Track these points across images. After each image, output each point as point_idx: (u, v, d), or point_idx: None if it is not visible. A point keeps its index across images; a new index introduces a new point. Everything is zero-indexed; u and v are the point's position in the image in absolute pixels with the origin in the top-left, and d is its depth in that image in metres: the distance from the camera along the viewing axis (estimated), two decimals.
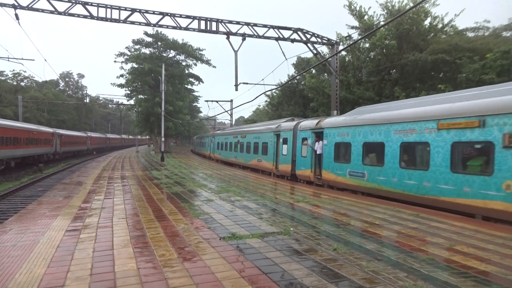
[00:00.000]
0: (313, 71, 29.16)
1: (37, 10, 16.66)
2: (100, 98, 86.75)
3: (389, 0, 23.35)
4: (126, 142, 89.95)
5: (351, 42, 23.53)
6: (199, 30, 18.76)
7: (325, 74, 28.59)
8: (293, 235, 6.30)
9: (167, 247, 5.56)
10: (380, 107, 12.74)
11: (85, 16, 17.29)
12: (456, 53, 19.80)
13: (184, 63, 45.69)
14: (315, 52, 20.76)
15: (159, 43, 42.77)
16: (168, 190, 12.31)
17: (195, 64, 45.27)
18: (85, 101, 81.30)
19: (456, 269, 4.63)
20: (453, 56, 19.77)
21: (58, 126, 53.95)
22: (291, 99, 34.83)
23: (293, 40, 19.95)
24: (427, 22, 22.80)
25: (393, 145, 10.70)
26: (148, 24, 18.33)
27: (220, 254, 5.19)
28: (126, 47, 42.70)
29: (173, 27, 18.62)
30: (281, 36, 19.75)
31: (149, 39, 41.89)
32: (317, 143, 14.77)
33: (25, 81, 65.36)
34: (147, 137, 62.27)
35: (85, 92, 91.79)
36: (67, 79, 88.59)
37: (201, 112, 79.58)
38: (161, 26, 18.76)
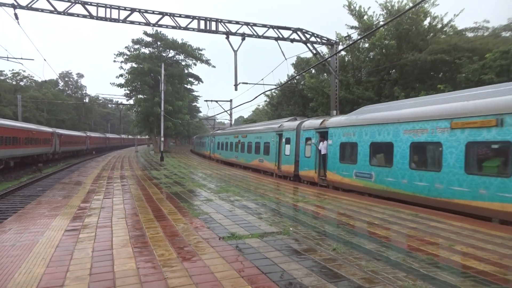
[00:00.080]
0: (313, 71, 29.17)
1: (36, 9, 16.63)
2: (100, 98, 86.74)
3: (389, 0, 23.38)
4: (125, 142, 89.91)
5: (351, 42, 23.54)
6: (199, 30, 18.75)
7: (325, 74, 28.60)
8: (292, 235, 6.30)
9: (167, 246, 5.56)
10: (387, 106, 12.38)
11: (84, 16, 17.27)
12: (455, 53, 19.81)
13: (183, 63, 45.73)
14: (314, 52, 20.77)
15: (159, 43, 42.76)
16: (168, 190, 12.31)
17: (195, 64, 45.33)
18: (84, 101, 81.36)
19: (455, 269, 4.64)
20: (453, 56, 19.78)
21: (58, 125, 53.89)
22: (291, 99, 34.84)
23: (292, 40, 19.95)
24: (426, 22, 22.82)
25: (402, 145, 10.33)
26: (147, 23, 18.31)
27: (219, 254, 5.19)
28: (126, 47, 42.73)
29: (173, 27, 18.61)
30: (280, 36, 19.74)
31: (149, 39, 41.88)
32: (321, 143, 14.46)
33: (24, 80, 65.31)
34: (147, 137, 62.24)
35: (85, 92, 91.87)
36: (66, 79, 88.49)
37: (200, 112, 79.67)
38: (160, 25, 18.73)
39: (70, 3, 16.88)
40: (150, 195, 11.11)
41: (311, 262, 4.85)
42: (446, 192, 8.85)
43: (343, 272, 4.47)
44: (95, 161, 32.64)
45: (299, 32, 19.96)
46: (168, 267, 4.63)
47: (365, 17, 24.29)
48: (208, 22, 18.87)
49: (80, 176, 17.78)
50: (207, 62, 44.19)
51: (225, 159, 29.63)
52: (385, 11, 23.76)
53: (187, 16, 18.70)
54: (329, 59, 20.55)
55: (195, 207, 9.06)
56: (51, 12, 16.77)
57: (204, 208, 8.83)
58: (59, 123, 61.01)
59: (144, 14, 18.16)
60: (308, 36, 20.17)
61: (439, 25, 22.96)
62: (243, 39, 19.08)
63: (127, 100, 47.01)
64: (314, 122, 15.51)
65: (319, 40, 20.53)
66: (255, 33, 19.36)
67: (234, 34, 19.07)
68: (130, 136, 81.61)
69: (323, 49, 25.85)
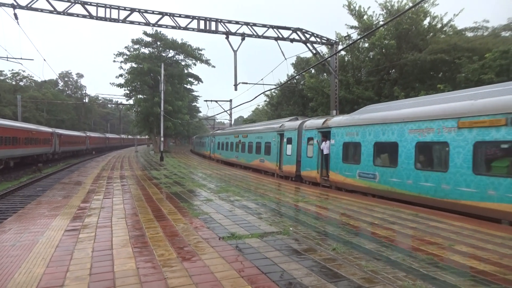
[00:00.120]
0: (313, 71, 29.18)
1: (36, 9, 16.63)
2: (99, 98, 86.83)
3: (389, 0, 23.40)
4: (125, 142, 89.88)
5: (351, 42, 23.56)
6: (199, 30, 18.75)
7: (325, 74, 28.61)
8: (292, 235, 6.30)
9: (166, 246, 5.56)
10: (391, 106, 12.20)
11: (84, 16, 17.27)
12: (455, 53, 19.81)
13: (183, 63, 45.74)
14: (314, 52, 20.77)
15: (158, 43, 42.76)
16: (168, 190, 12.31)
17: (194, 64, 45.36)
18: (84, 101, 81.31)
19: (455, 269, 4.64)
20: (452, 56, 19.78)
21: (57, 126, 53.89)
22: (291, 99, 34.86)
23: (292, 40, 19.95)
24: (426, 22, 22.83)
25: (407, 145, 10.14)
26: (147, 23, 18.31)
27: (219, 254, 5.19)
28: (125, 47, 42.73)
29: (173, 27, 18.62)
30: (280, 36, 19.75)
31: (148, 39, 41.88)
32: (324, 143, 14.30)
33: (24, 80, 65.28)
34: (146, 137, 62.25)
35: (84, 92, 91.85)
36: (66, 79, 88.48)
37: (200, 112, 79.69)
38: (160, 26, 18.73)
39: (69, 3, 16.88)
40: (150, 195, 11.11)
41: (311, 262, 4.85)
42: (453, 193, 8.66)
43: (343, 272, 4.47)
44: (95, 161, 32.64)
45: (298, 32, 19.96)
46: (168, 267, 4.63)
47: (365, 17, 24.32)
48: (208, 22, 18.87)
49: (80, 176, 17.78)
50: (206, 62, 44.22)
51: (226, 159, 29.48)
52: (384, 11, 23.78)
53: (186, 16, 18.70)
54: (329, 59, 20.55)
55: (195, 207, 9.06)
56: (50, 12, 16.77)
57: (204, 208, 8.83)
58: (59, 123, 61.02)
59: (144, 14, 18.16)
60: (308, 36, 20.18)
61: (439, 25, 22.98)
62: (242, 39, 19.08)
63: (127, 100, 47.07)
64: (316, 121, 15.35)
65: (319, 40, 20.53)
66: (255, 33, 19.36)
67: (234, 34, 19.08)
68: (130, 136, 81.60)
69: (323, 49, 25.90)
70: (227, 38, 18.93)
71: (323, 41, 20.69)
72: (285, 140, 17.72)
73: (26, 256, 5.06)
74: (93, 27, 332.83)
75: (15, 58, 30.12)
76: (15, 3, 16.27)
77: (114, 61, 50.28)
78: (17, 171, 27.75)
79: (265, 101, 43.13)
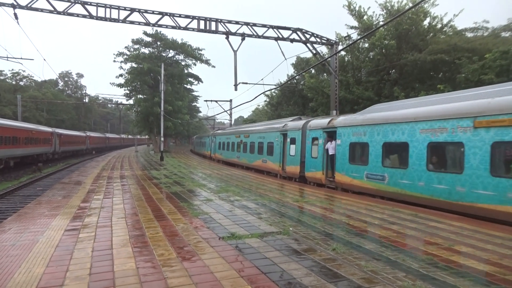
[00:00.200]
0: (313, 71, 29.20)
1: (36, 9, 16.63)
2: (99, 98, 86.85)
3: (389, 0, 23.42)
4: (125, 141, 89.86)
5: (351, 42, 23.56)
6: (199, 30, 18.76)
7: (325, 74, 28.64)
8: (292, 235, 6.31)
9: (166, 246, 5.56)
10: (400, 104, 11.75)
11: (84, 16, 17.28)
12: (455, 53, 19.83)
13: (183, 63, 45.72)
14: (314, 52, 20.78)
15: (158, 43, 42.76)
16: (167, 189, 12.31)
17: (194, 64, 45.34)
18: (84, 100, 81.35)
19: (454, 269, 4.64)
20: (452, 56, 19.80)
21: (57, 125, 53.91)
22: (291, 99, 34.88)
23: (292, 40, 19.96)
24: (426, 22, 22.86)
25: (419, 146, 9.74)
26: (147, 23, 18.32)
27: (219, 254, 5.19)
28: (126, 47, 42.75)
29: (173, 27, 18.62)
30: (280, 36, 19.75)
31: (148, 39, 41.88)
32: (329, 143, 13.94)
33: (24, 80, 65.35)
34: (146, 136, 62.26)
35: (84, 91, 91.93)
36: (66, 79, 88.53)
37: (200, 112, 79.69)
38: (160, 25, 18.74)
39: (69, 3, 16.88)
40: (150, 195, 11.11)
41: (311, 262, 4.85)
42: (468, 196, 8.24)
43: (343, 272, 4.47)
44: (95, 161, 32.64)
45: (298, 32, 19.97)
46: (168, 267, 4.64)
47: (365, 17, 24.35)
48: (208, 22, 18.88)
49: (80, 176, 17.79)
50: (206, 62, 44.22)
51: (227, 160, 29.19)
52: (384, 11, 23.81)
53: (186, 16, 18.71)
54: (329, 59, 20.56)
55: (195, 207, 9.06)
56: (50, 12, 16.78)
57: (204, 208, 8.84)
58: (59, 123, 61.06)
59: (144, 14, 18.17)
60: (308, 36, 20.19)
61: (439, 25, 23.00)
62: (242, 39, 19.09)
63: (127, 100, 47.08)
64: (321, 121, 14.99)
65: (318, 40, 20.54)
66: (255, 33, 19.37)
67: (234, 34, 19.08)
68: (130, 136, 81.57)
69: (323, 49, 25.91)
70: (227, 38, 18.94)
71: (323, 41, 20.69)
72: (288, 140, 17.38)
73: (26, 256, 5.07)
74: (93, 27, 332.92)
75: (15, 58, 30.23)
76: (15, 3, 16.28)
77: (114, 61, 50.31)
78: (17, 171, 27.76)
79: (265, 101, 43.21)
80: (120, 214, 8.10)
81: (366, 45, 25.13)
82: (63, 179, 17.91)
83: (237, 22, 19.22)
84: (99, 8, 17.37)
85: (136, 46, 42.21)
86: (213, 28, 18.88)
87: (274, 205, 9.45)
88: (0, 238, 6.05)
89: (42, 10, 16.70)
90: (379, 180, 11.14)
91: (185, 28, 18.65)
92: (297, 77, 32.31)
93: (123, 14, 17.77)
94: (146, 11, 18.23)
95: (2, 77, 60.65)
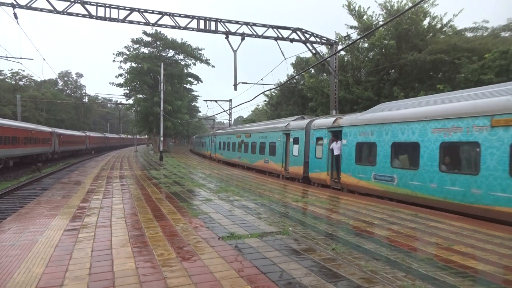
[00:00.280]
0: (312, 71, 29.20)
1: (35, 9, 16.62)
2: (99, 98, 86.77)
3: (388, 0, 23.43)
4: (124, 141, 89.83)
5: (350, 42, 23.56)
6: (198, 30, 18.75)
7: (324, 74, 28.64)
8: (291, 235, 6.30)
9: (166, 246, 5.55)
10: (410, 103, 11.28)
11: (84, 15, 17.26)
12: (454, 53, 19.83)
13: (183, 63, 45.70)
14: (314, 52, 20.78)
15: (158, 43, 42.75)
16: (167, 189, 12.31)
17: (194, 64, 45.33)
18: (83, 100, 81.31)
19: (454, 269, 4.64)
20: (452, 56, 19.80)
21: (57, 125, 53.90)
22: (290, 99, 34.88)
23: (292, 40, 19.95)
24: (426, 22, 22.86)
25: (430, 146, 9.35)
26: (147, 23, 18.31)
27: (218, 254, 5.19)
28: (125, 47, 42.74)
29: (172, 27, 18.61)
30: (280, 36, 19.75)
31: (148, 39, 41.87)
32: (334, 143, 13.58)
33: (23, 80, 65.34)
34: (146, 136, 62.22)
35: (84, 91, 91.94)
36: (65, 79, 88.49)
37: (200, 111, 79.66)
38: (160, 25, 18.72)
39: (69, 3, 16.87)
40: (149, 195, 11.10)
41: (311, 262, 4.85)
42: (485, 198, 7.86)
43: (342, 272, 4.47)
44: (94, 160, 32.63)
45: (298, 32, 19.97)
46: (168, 266, 4.63)
47: (365, 17, 24.35)
48: (207, 22, 18.87)
49: (80, 175, 17.78)
50: (206, 62, 44.22)
51: (227, 160, 28.84)
52: (384, 11, 23.82)
53: (186, 16, 18.70)
54: (329, 59, 20.58)
55: (194, 207, 9.06)
56: (50, 11, 16.77)
57: (204, 208, 8.83)
58: (58, 122, 61.04)
59: (144, 13, 18.16)
60: (307, 36, 20.19)
61: (439, 25, 23.01)
62: (242, 39, 19.09)
63: (127, 100, 47.01)
64: (326, 120, 14.62)
65: (318, 40, 20.54)
66: (255, 33, 19.36)
67: (234, 34, 19.08)
68: (129, 136, 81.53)
69: (323, 49, 25.91)
70: (227, 38, 18.93)
71: (322, 41, 20.69)
72: (291, 140, 17.05)
73: (26, 256, 5.06)
74: (92, 26, 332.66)
75: (15, 58, 30.02)
76: (14, 3, 16.26)
77: (113, 60, 49.88)
78: (16, 171, 27.73)
79: (265, 101, 43.19)
80: (120, 214, 8.09)
81: (366, 45, 25.13)
82: (62, 179, 17.90)
83: (237, 22, 19.22)
84: (98, 7, 17.36)
85: (135, 46, 42.23)
86: (213, 28, 18.87)
87: (274, 205, 9.44)
88: None
89: (41, 10, 16.69)
90: (387, 181, 10.78)
91: (185, 28, 18.64)
92: (296, 77, 32.30)
93: (123, 13, 17.78)
94: (145, 11, 18.22)
95: (1, 77, 60.64)
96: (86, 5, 17.16)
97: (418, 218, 7.90)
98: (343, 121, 13.28)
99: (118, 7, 17.62)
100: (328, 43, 21.01)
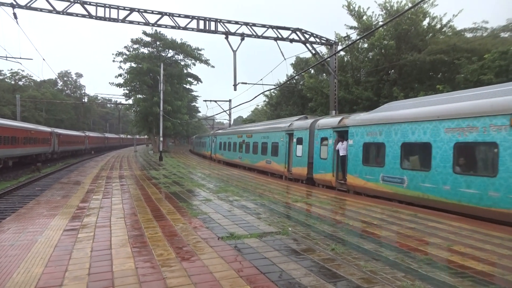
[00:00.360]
0: (312, 71, 29.21)
1: (35, 9, 16.61)
2: (99, 98, 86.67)
3: (388, 1, 23.45)
4: (124, 141, 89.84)
5: (350, 42, 23.59)
6: (198, 30, 18.75)
7: (324, 74, 28.66)
8: (291, 235, 6.31)
9: (165, 246, 5.55)
10: (420, 102, 10.82)
11: (83, 16, 17.26)
12: (454, 54, 19.85)
13: (182, 63, 45.74)
14: (313, 52, 20.79)
15: (158, 43, 42.74)
16: (167, 189, 12.30)
17: (194, 64, 45.36)
18: (83, 100, 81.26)
19: (453, 269, 4.65)
20: (452, 56, 19.82)
21: (56, 125, 53.87)
22: (290, 99, 34.90)
23: (292, 40, 19.96)
24: (425, 22, 22.89)
25: (443, 146, 8.94)
26: (146, 23, 18.30)
27: (218, 254, 5.19)
28: (125, 47, 42.76)
29: (172, 27, 18.62)
30: (280, 36, 19.76)
31: (148, 39, 41.87)
32: (340, 143, 13.23)
33: (23, 80, 65.33)
34: (146, 136, 62.21)
35: (84, 91, 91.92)
36: (65, 79, 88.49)
37: (199, 112, 79.69)
38: (159, 25, 18.72)
39: (69, 3, 16.86)
40: (149, 195, 11.10)
41: (310, 262, 4.85)
42: (504, 202, 7.44)
43: (342, 272, 4.47)
44: (94, 161, 32.61)
45: (298, 32, 19.98)
46: (167, 267, 4.63)
47: (364, 17, 24.37)
48: (207, 22, 18.87)
49: (79, 176, 17.77)
50: (206, 62, 44.22)
51: (228, 160, 28.46)
52: (384, 11, 23.84)
53: (186, 16, 18.70)
54: (328, 59, 20.59)
55: (194, 207, 9.05)
56: (50, 11, 16.76)
57: (203, 208, 8.83)
58: (58, 122, 61.02)
59: (143, 14, 18.16)
60: (307, 36, 20.20)
61: (438, 26, 23.04)
62: (242, 39, 19.09)
63: (126, 100, 47.02)
64: (332, 120, 14.26)
65: (318, 40, 20.55)
66: (254, 33, 19.37)
67: (233, 34, 19.09)
68: (129, 136, 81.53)
69: (322, 49, 25.92)
70: (226, 38, 18.94)
71: (322, 41, 20.70)
72: (294, 140, 16.61)
73: (25, 256, 5.06)
74: (92, 26, 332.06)
75: (14, 58, 30.02)
76: (14, 3, 16.25)
77: (113, 61, 49.91)
78: (16, 171, 27.72)
79: (265, 101, 43.22)
80: (119, 214, 8.09)
81: (366, 45, 25.15)
82: (62, 179, 17.88)
83: (236, 22, 19.23)
84: (98, 7, 17.36)
85: (135, 46, 42.24)
86: (213, 28, 18.88)
87: (274, 205, 9.44)
88: None
89: (41, 10, 16.68)
90: (397, 183, 10.34)
91: (185, 28, 18.64)
92: (296, 77, 32.32)
93: (123, 14, 17.77)
94: (145, 11, 18.22)
95: (1, 77, 60.61)
96: (85, 5, 17.15)
97: (417, 219, 7.91)
98: (349, 121, 12.97)
99: (117, 7, 17.62)
100: (328, 43, 21.03)
